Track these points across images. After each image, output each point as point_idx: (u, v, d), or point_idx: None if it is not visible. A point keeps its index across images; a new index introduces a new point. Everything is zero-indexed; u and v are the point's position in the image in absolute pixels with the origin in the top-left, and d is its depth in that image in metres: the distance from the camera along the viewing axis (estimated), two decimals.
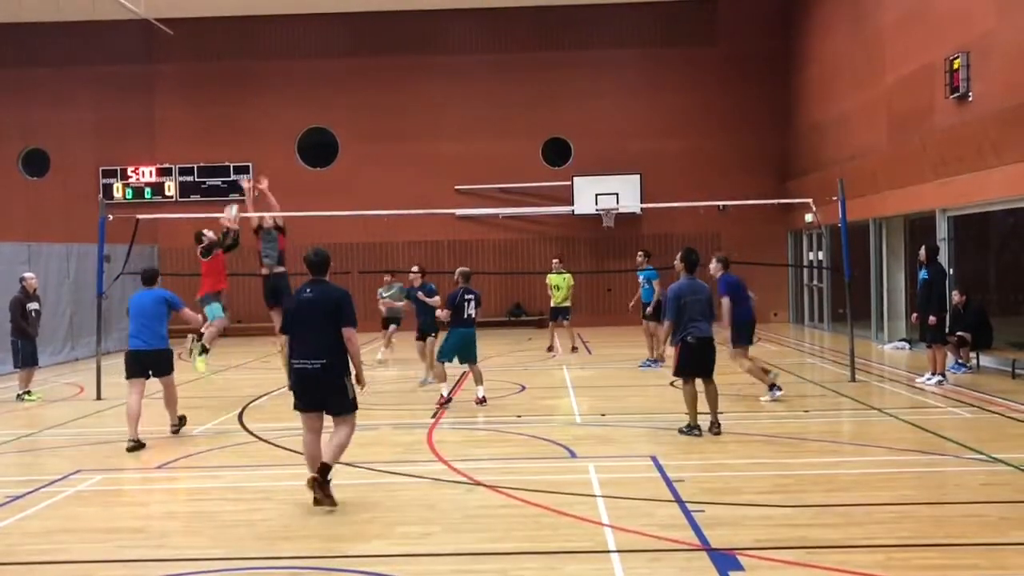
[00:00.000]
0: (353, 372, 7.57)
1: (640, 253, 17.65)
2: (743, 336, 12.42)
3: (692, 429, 10.12)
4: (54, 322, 19.38)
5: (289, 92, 27.40)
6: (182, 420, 11.14)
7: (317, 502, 7.35)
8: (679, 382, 10.77)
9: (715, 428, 10.18)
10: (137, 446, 10.10)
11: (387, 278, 18.57)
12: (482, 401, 12.59)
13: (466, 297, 12.67)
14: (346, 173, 27.21)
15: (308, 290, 7.59)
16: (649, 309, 16.42)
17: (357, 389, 7.63)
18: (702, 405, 10.30)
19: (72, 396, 14.69)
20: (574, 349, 19.10)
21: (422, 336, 14.57)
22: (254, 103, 27.30)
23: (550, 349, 19.25)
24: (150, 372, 10.57)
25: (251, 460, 9.69)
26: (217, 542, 6.82)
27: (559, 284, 18.89)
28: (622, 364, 17.10)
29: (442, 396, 12.66)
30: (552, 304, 19.04)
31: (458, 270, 13.13)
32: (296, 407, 7.65)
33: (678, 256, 10.76)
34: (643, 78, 27.21)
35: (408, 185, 26.31)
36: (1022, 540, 6.45)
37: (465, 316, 12.64)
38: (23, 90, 27.54)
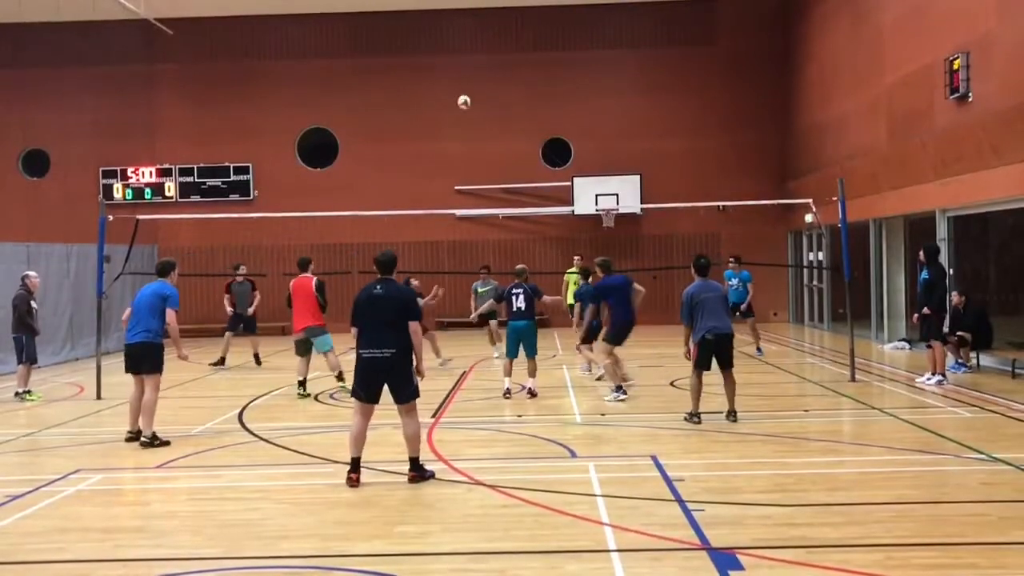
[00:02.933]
0: (415, 363, 8.30)
1: (732, 259, 18.51)
2: (617, 336, 12.95)
3: (693, 416, 10.80)
4: (54, 322, 19.38)
5: (289, 92, 27.40)
6: (153, 439, 10.22)
7: (413, 482, 8.14)
8: (690, 378, 11.24)
9: (732, 416, 10.86)
10: (133, 438, 10.30)
11: (483, 271, 19.05)
12: (532, 394, 13.12)
13: (514, 291, 13.47)
14: (346, 173, 27.21)
15: (378, 287, 8.19)
16: (744, 306, 17.84)
17: (417, 379, 8.35)
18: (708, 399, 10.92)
19: (72, 396, 14.69)
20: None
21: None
22: (254, 103, 27.30)
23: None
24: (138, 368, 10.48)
25: (251, 460, 9.69)
26: (216, 541, 6.82)
27: (578, 282, 18.34)
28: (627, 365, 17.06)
29: (509, 391, 13.23)
30: (570, 302, 18.57)
31: (517, 267, 14.30)
32: (356, 395, 8.25)
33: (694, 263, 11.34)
34: (643, 78, 27.22)
35: (408, 185, 26.32)
36: (1022, 540, 6.44)
37: (514, 309, 13.38)
38: (23, 90, 27.55)
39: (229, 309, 18.48)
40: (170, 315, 10.57)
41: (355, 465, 8.12)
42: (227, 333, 18.43)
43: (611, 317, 12.96)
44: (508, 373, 13.40)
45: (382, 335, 8.00)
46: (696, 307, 10.81)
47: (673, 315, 24.80)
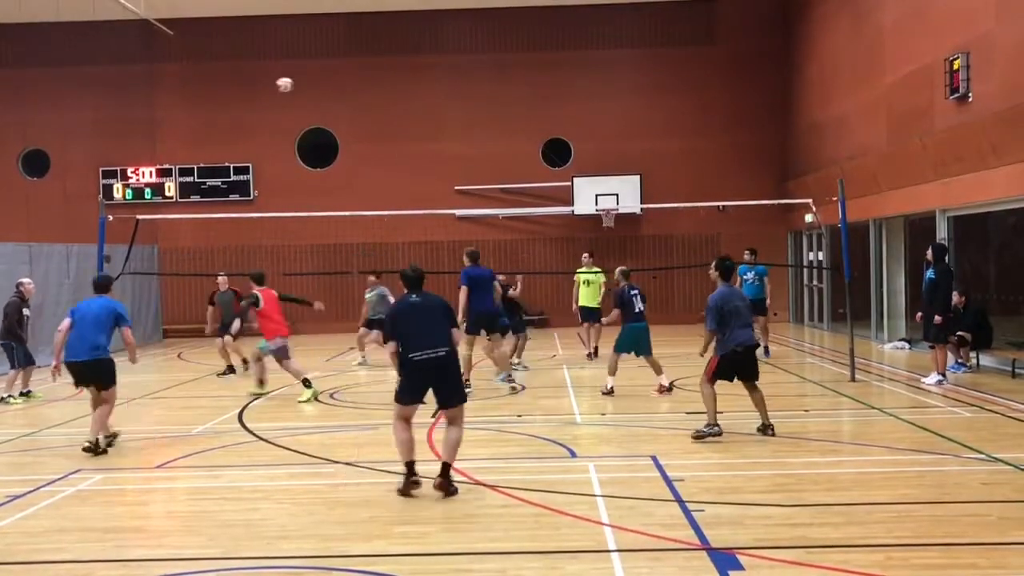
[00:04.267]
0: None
1: (747, 251, 17.66)
2: (474, 326, 13.26)
3: (713, 427, 9.93)
4: (54, 322, 19.31)
5: (289, 92, 27.35)
6: (97, 444, 9.96)
7: (441, 488, 7.84)
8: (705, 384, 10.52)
9: (770, 430, 10.04)
10: (92, 448, 9.84)
11: (371, 279, 18.14)
12: (667, 389, 13.20)
13: (632, 293, 13.30)
14: (346, 173, 27.21)
15: (414, 296, 8.21)
16: (769, 302, 17.42)
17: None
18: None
19: (72, 396, 14.67)
20: (589, 354, 18.09)
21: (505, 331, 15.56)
22: (254, 103, 27.29)
23: (592, 354, 18.13)
24: (90, 383, 10.23)
25: (251, 460, 9.69)
26: (216, 541, 6.82)
27: (590, 280, 17.95)
28: (622, 364, 17.05)
29: (607, 387, 13.19)
30: (581, 303, 18.01)
31: (618, 269, 13.88)
32: (402, 400, 8.01)
33: (712, 264, 10.57)
34: (643, 78, 27.22)
35: (408, 185, 26.31)
36: (1022, 540, 6.45)
37: (636, 311, 13.25)
38: (23, 90, 27.54)
39: (209, 328, 17.81)
40: (127, 334, 10.32)
41: (412, 469, 7.96)
42: (219, 339, 17.36)
43: (468, 307, 13.36)
44: (614, 372, 13.34)
45: (432, 337, 7.96)
46: (728, 315, 9.88)
47: (673, 315, 25.12)
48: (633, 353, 13.42)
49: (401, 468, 7.99)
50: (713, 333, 10.01)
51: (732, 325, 9.89)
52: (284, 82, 15.24)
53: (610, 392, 13.16)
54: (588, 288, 17.99)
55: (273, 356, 13.83)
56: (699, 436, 9.87)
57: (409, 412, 8.10)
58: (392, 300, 17.31)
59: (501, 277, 16.90)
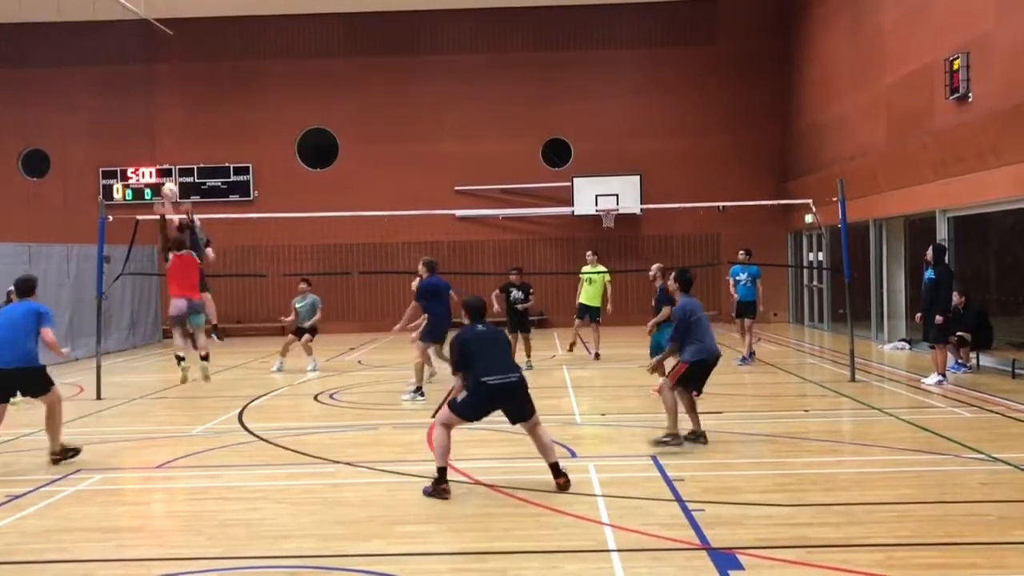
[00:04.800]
0: None
1: (742, 252, 17.28)
2: (429, 335, 13.47)
3: (675, 439, 9.50)
4: (54, 322, 19.33)
5: (289, 92, 27.41)
6: (66, 452, 9.51)
7: (566, 486, 7.95)
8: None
9: (702, 439, 9.73)
10: (60, 456, 9.38)
11: (302, 286, 17.61)
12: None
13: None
14: (346, 173, 27.21)
15: (480, 327, 8.48)
16: (762, 308, 17.07)
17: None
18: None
19: (72, 396, 14.67)
20: (596, 356, 17.95)
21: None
22: (254, 103, 27.30)
23: (572, 348, 18.24)
24: (18, 392, 9.44)
25: (251, 460, 9.69)
26: (216, 541, 6.81)
27: (593, 278, 17.84)
28: (622, 364, 17.10)
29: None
30: (581, 301, 17.93)
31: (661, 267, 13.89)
32: (464, 415, 8.11)
33: (671, 277, 10.28)
34: (643, 78, 27.22)
35: (408, 185, 26.31)
36: (1022, 540, 6.44)
37: None
38: (23, 90, 27.54)
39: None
40: (47, 334, 9.52)
41: (445, 474, 7.99)
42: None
43: (431, 316, 13.45)
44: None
45: (506, 363, 8.27)
46: (695, 324, 9.68)
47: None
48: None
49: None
50: (677, 344, 9.75)
51: (700, 334, 9.69)
52: (169, 188, 14.86)
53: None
54: (591, 287, 17.89)
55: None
56: (658, 444, 9.41)
57: (457, 424, 8.22)
58: (320, 310, 17.34)
59: (513, 276, 17.20)
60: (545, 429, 8.31)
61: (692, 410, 9.82)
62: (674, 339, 9.79)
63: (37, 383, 9.54)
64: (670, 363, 10.24)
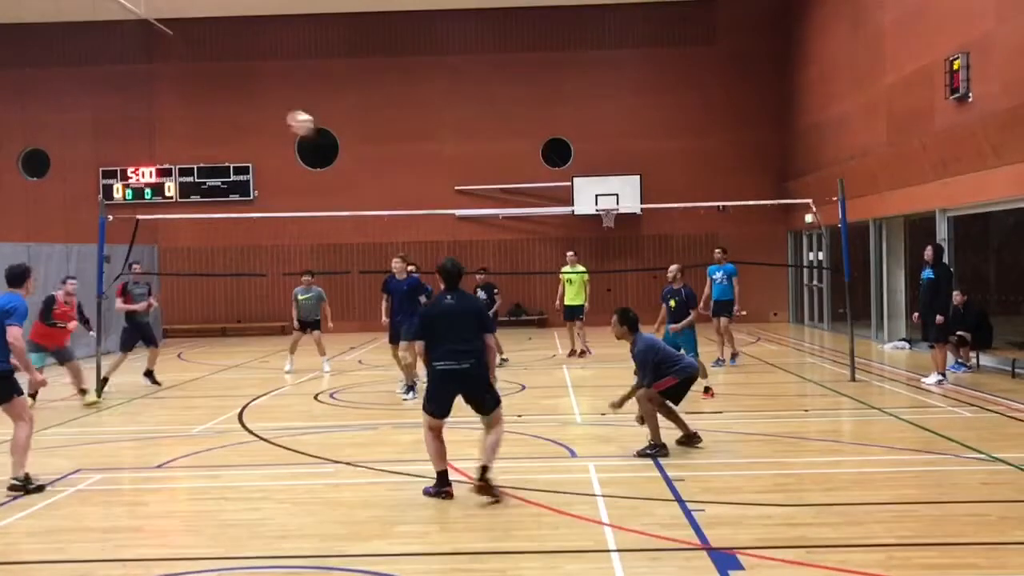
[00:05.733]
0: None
1: (718, 250, 17.15)
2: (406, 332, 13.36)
3: (658, 448, 9.20)
4: None
5: (289, 92, 27.33)
6: (26, 480, 8.23)
7: (483, 492, 7.57)
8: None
9: (696, 439, 9.54)
10: (20, 486, 8.21)
11: (306, 278, 17.34)
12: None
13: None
14: (346, 173, 27.21)
15: (449, 298, 7.92)
16: (737, 307, 16.69)
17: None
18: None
19: (72, 396, 14.68)
20: (581, 353, 18.14)
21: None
22: (254, 103, 27.29)
23: (572, 353, 18.27)
24: None
25: (251, 460, 9.69)
26: (217, 541, 6.82)
27: (572, 279, 18.11)
28: (622, 364, 17.05)
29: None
30: (565, 302, 18.19)
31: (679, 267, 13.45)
32: (431, 410, 7.78)
33: (614, 321, 9.58)
34: (643, 78, 27.21)
35: (408, 185, 26.32)
36: (1022, 540, 6.44)
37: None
38: (23, 90, 27.54)
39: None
40: (11, 332, 8.20)
41: (446, 478, 7.79)
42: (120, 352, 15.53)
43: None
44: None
45: (461, 347, 7.69)
46: (667, 357, 9.44)
47: None
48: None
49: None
50: (649, 385, 9.31)
51: (677, 359, 9.55)
52: (299, 121, 14.82)
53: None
54: (571, 287, 18.19)
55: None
56: (643, 455, 9.14)
57: (436, 423, 7.80)
58: (326, 303, 17.23)
59: (479, 277, 17.01)
60: (502, 433, 7.90)
61: (672, 416, 9.52)
62: (649, 384, 9.30)
63: (2, 391, 8.32)
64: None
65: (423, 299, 14.44)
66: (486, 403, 7.82)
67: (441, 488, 7.73)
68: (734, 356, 16.67)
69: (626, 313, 9.56)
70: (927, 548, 6.26)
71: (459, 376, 7.68)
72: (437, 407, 7.77)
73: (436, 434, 7.79)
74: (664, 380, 9.31)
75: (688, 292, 12.99)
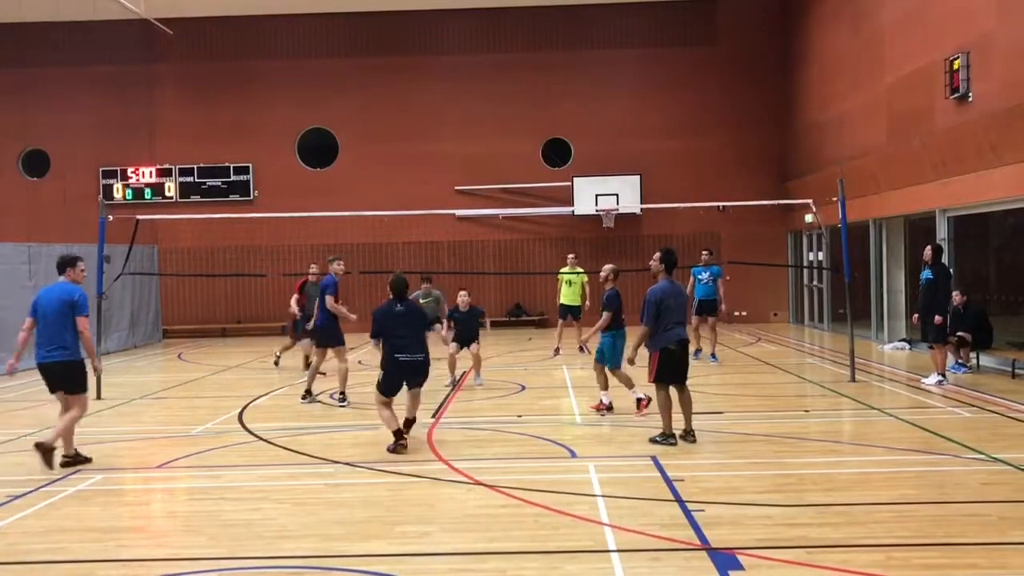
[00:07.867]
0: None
1: (705, 252, 17.75)
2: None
3: (668, 438, 9.65)
4: None
5: (289, 92, 27.41)
6: (77, 457, 9.33)
7: (401, 443, 9.63)
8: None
9: (690, 437, 9.77)
10: (69, 462, 9.22)
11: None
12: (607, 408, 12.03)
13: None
14: (346, 173, 27.21)
15: (399, 305, 9.90)
16: (724, 307, 17.28)
17: None
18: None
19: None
20: (556, 351, 18.39)
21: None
22: (254, 103, 27.31)
23: (557, 352, 18.48)
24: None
25: (251, 460, 9.69)
26: (217, 541, 6.82)
27: (571, 280, 18.56)
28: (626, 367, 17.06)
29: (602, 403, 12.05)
30: (562, 302, 18.60)
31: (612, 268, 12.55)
32: (386, 391, 9.79)
33: (656, 257, 10.03)
34: (643, 78, 27.21)
35: (408, 185, 26.32)
36: (1022, 540, 6.45)
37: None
38: (23, 90, 27.54)
39: (296, 310, 16.21)
40: (81, 323, 9.01)
41: (401, 433, 9.64)
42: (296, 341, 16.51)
43: None
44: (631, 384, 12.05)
45: (416, 343, 9.80)
46: (665, 311, 9.68)
47: None
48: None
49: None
50: (648, 329, 9.77)
51: (668, 321, 9.70)
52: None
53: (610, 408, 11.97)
54: (570, 288, 18.66)
55: None
56: (654, 442, 9.48)
57: (389, 401, 9.85)
58: (446, 304, 16.96)
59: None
60: (419, 399, 10.11)
61: (685, 408, 9.91)
62: (646, 324, 9.80)
63: (72, 379, 9.13)
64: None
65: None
66: (421, 383, 10.07)
67: (397, 442, 9.54)
68: (713, 355, 17.18)
69: (668, 253, 10.06)
70: (927, 548, 6.26)
71: (415, 365, 9.81)
72: (389, 389, 9.83)
73: (387, 405, 9.78)
74: (651, 361, 9.85)
75: (610, 294, 11.93)
